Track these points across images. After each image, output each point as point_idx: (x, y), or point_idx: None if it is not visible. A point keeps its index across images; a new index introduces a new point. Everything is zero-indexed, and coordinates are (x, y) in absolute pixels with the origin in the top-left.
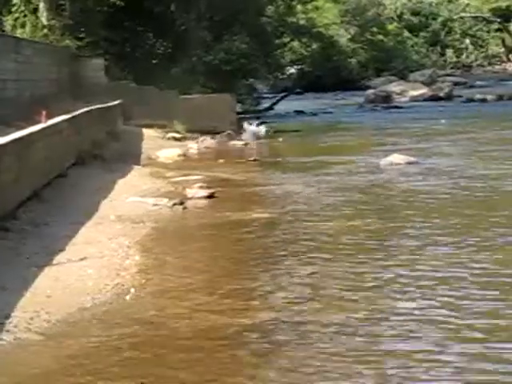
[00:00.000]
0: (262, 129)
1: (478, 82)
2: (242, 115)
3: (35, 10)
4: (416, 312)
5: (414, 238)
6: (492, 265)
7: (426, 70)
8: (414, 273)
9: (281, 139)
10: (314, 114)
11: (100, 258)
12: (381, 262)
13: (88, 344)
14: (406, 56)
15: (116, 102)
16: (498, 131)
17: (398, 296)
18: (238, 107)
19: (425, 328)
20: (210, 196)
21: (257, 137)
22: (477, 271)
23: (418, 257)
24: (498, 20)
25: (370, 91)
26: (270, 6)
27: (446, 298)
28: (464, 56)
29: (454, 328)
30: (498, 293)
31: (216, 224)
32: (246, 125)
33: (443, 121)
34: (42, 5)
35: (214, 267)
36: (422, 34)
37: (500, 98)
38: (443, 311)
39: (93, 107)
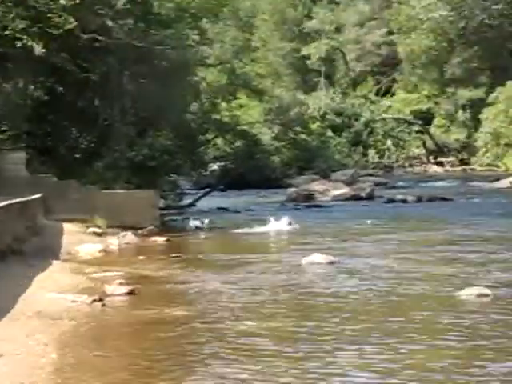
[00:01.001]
0: (205, 222)
1: (399, 183)
2: (165, 211)
3: None
4: None
5: (326, 343)
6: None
7: (348, 169)
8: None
9: (203, 235)
10: (237, 212)
11: (16, 356)
12: (295, 365)
13: None
14: (329, 155)
15: (36, 196)
16: (417, 232)
17: None
18: (161, 203)
19: None
20: (130, 293)
21: (199, 229)
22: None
23: (332, 359)
24: (419, 122)
25: (293, 190)
26: (194, 103)
27: None
28: (386, 157)
29: None
30: None
31: (135, 322)
32: (191, 221)
33: (369, 221)
34: None
35: (132, 367)
36: (344, 134)
37: (419, 199)
38: None
39: (12, 201)
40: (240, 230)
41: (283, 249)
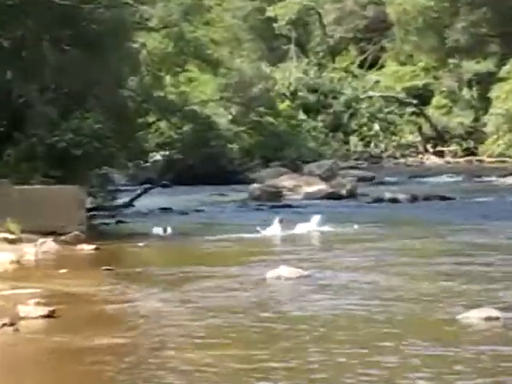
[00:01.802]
0: (169, 229)
1: (388, 178)
2: (95, 212)
3: None
4: None
5: (286, 381)
6: None
7: (324, 160)
8: None
9: (142, 243)
10: (185, 213)
11: None
12: None
13: None
14: (301, 143)
15: None
16: (409, 240)
17: None
18: (89, 202)
19: None
20: (50, 315)
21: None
22: None
23: None
24: (414, 102)
25: (256, 186)
26: (132, 77)
27: None
28: (372, 145)
29: None
30: None
31: (55, 352)
32: (154, 228)
33: (355, 226)
34: None
35: None
36: (320, 116)
37: (414, 198)
38: None
39: None
40: (218, 238)
41: (244, 260)
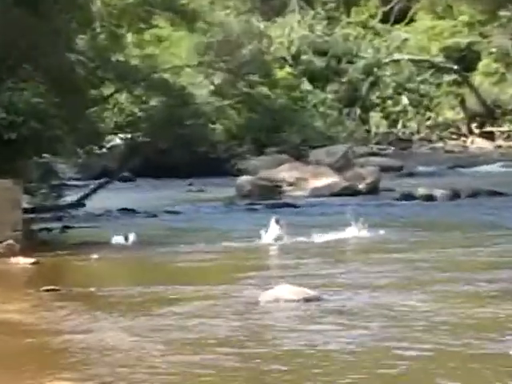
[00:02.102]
0: (131, 237)
1: (421, 168)
2: (33, 214)
3: None
4: None
5: None
6: None
7: (336, 145)
8: None
9: (95, 256)
10: (153, 215)
11: None
12: None
13: None
14: (306, 122)
15: None
16: (451, 249)
17: None
18: (27, 201)
19: None
20: None
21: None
22: None
23: None
24: (454, 67)
25: (246, 179)
26: (81, 36)
27: None
28: (399, 124)
29: None
30: None
31: None
32: (114, 237)
33: (382, 231)
34: None
35: None
36: (331, 86)
37: (455, 194)
38: None
39: None
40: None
41: (231, 277)
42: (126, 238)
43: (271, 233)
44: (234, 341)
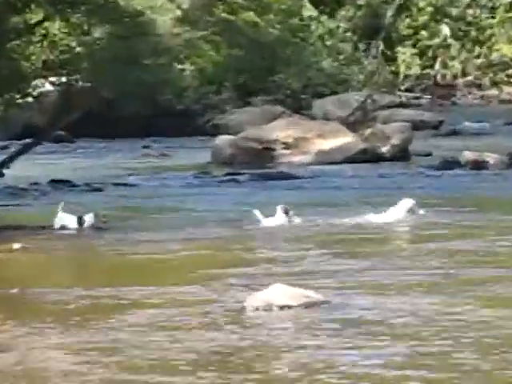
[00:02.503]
0: (88, 218)
1: (468, 124)
2: None
3: None
4: None
5: None
6: None
7: (350, 93)
8: None
9: (18, 245)
10: (97, 190)
11: None
12: None
13: None
14: (308, 60)
15: None
16: (502, 238)
17: None
18: None
19: None
20: None
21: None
22: None
23: None
24: None
25: (225, 140)
26: None
27: None
28: (438, 64)
29: None
30: None
31: None
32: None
33: (422, 211)
34: None
35: None
36: (342, 11)
37: None
38: None
39: None
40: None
41: (209, 274)
42: (81, 220)
43: (275, 220)
44: (208, 363)
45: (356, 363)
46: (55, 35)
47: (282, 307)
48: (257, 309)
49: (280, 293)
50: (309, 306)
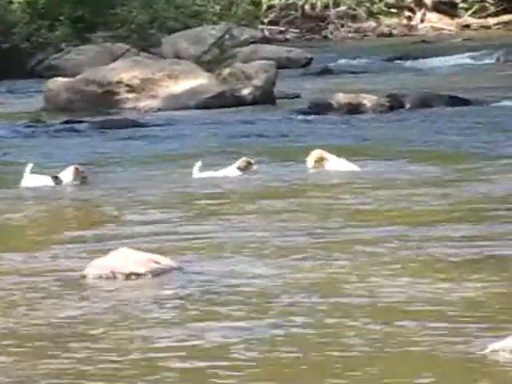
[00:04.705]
0: (69, 172)
1: (342, 62)
2: None
3: None
4: None
5: None
6: None
7: (205, 27)
8: None
9: None
10: None
11: None
12: None
13: None
14: None
15: None
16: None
17: None
18: None
19: None
20: None
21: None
22: None
23: None
24: None
25: (60, 82)
26: None
27: None
28: None
29: None
30: None
31: None
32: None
33: (255, 167)
34: None
35: None
36: None
37: (396, 104)
38: None
39: None
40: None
41: (41, 239)
42: (57, 179)
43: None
44: (41, 346)
45: (206, 339)
46: None
47: (127, 275)
48: (97, 277)
49: (126, 258)
50: (158, 273)
